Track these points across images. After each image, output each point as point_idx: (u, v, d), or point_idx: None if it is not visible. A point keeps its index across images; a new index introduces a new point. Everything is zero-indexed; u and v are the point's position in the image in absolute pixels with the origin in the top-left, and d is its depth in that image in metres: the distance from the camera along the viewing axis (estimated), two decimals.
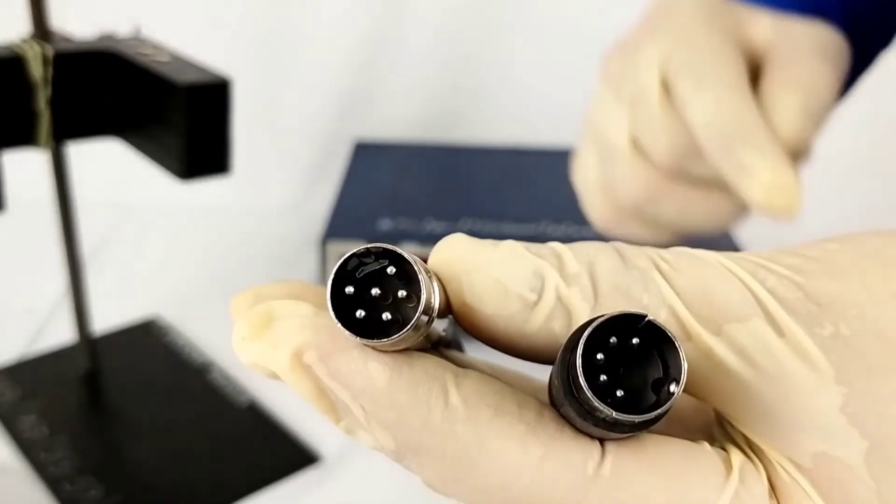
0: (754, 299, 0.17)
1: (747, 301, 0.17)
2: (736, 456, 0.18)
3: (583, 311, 0.18)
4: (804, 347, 0.17)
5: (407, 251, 0.17)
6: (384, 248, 0.17)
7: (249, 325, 0.18)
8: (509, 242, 0.18)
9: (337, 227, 0.61)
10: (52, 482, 0.46)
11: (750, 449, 0.18)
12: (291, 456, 0.49)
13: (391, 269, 0.17)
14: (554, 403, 0.18)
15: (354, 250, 0.17)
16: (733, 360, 0.17)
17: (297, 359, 0.17)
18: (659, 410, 0.16)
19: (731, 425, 0.19)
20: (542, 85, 0.82)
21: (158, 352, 0.58)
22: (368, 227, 0.61)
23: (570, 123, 0.83)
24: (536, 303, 0.18)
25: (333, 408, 0.17)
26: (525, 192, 0.69)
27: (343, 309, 0.17)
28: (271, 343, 0.17)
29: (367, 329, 0.17)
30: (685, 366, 0.16)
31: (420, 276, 0.16)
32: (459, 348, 0.21)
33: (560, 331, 0.18)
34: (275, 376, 0.18)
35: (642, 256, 0.18)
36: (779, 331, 0.17)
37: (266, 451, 0.49)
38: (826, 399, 0.17)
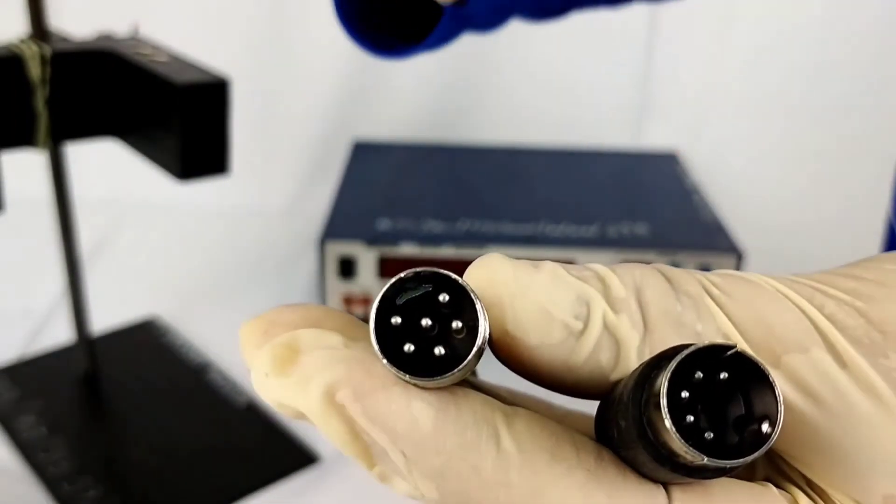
0: (813, 327, 0.16)
1: (806, 330, 0.16)
2: (802, 500, 0.16)
3: (632, 341, 0.16)
4: (869, 379, 0.16)
5: (458, 276, 0.15)
6: (433, 272, 0.15)
7: (273, 358, 0.16)
8: (549, 264, 0.17)
9: (336, 227, 0.61)
10: (51, 482, 0.46)
11: (811, 489, 0.17)
12: (290, 456, 0.49)
13: (443, 297, 0.15)
14: (612, 444, 0.16)
15: (401, 274, 0.15)
16: (793, 393, 0.16)
17: (329, 398, 0.15)
18: (756, 454, 0.14)
19: (787, 462, 0.17)
20: (542, 85, 0.82)
21: (157, 352, 0.58)
22: (367, 227, 0.61)
23: (570, 123, 0.83)
24: (582, 332, 0.16)
25: (367, 452, 0.15)
26: (523, 191, 0.69)
27: (388, 342, 0.15)
28: (299, 380, 0.15)
29: (416, 366, 0.15)
30: (781, 404, 0.14)
31: (477, 305, 0.15)
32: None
33: (607, 363, 0.16)
34: (302, 416, 0.16)
35: (692, 281, 0.17)
36: (841, 362, 0.16)
37: (265, 451, 0.49)
38: (893, 436, 0.16)
